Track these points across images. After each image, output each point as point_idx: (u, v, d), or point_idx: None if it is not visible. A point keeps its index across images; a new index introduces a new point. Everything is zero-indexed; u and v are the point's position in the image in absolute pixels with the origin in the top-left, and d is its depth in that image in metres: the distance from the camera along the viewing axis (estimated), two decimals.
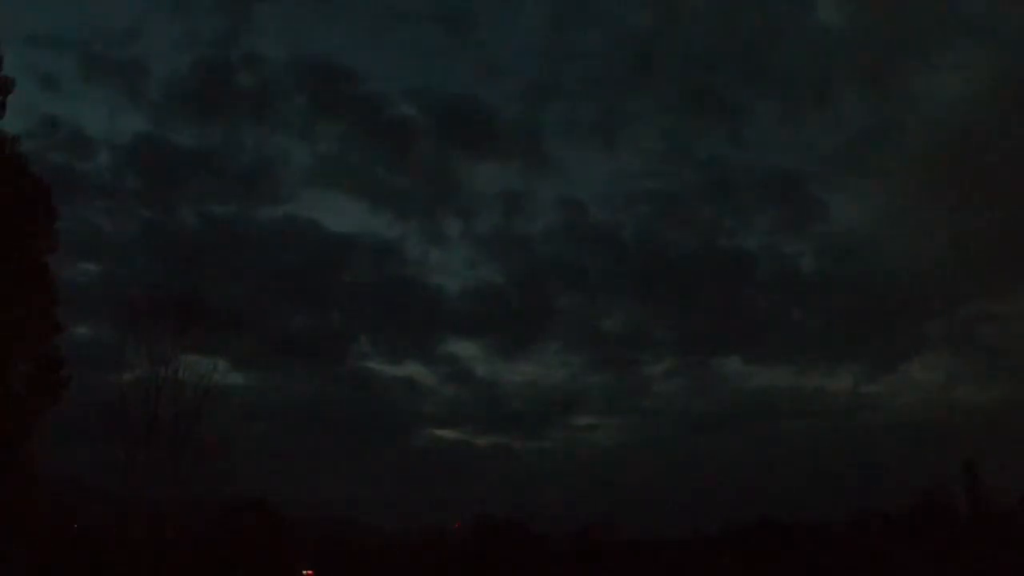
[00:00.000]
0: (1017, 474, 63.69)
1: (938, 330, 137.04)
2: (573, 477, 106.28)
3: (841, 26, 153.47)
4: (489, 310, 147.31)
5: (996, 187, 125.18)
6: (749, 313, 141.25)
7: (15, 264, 23.56)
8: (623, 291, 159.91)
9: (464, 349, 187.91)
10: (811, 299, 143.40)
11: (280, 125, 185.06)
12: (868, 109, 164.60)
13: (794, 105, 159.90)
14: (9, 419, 23.18)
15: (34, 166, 24.87)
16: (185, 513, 36.08)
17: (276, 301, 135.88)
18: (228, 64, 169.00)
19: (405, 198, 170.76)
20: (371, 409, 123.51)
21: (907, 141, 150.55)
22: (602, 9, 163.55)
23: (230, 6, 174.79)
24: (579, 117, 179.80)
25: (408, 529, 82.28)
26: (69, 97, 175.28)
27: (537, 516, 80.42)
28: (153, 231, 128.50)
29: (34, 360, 24.40)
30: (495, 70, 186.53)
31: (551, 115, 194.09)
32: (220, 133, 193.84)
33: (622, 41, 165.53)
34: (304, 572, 63.32)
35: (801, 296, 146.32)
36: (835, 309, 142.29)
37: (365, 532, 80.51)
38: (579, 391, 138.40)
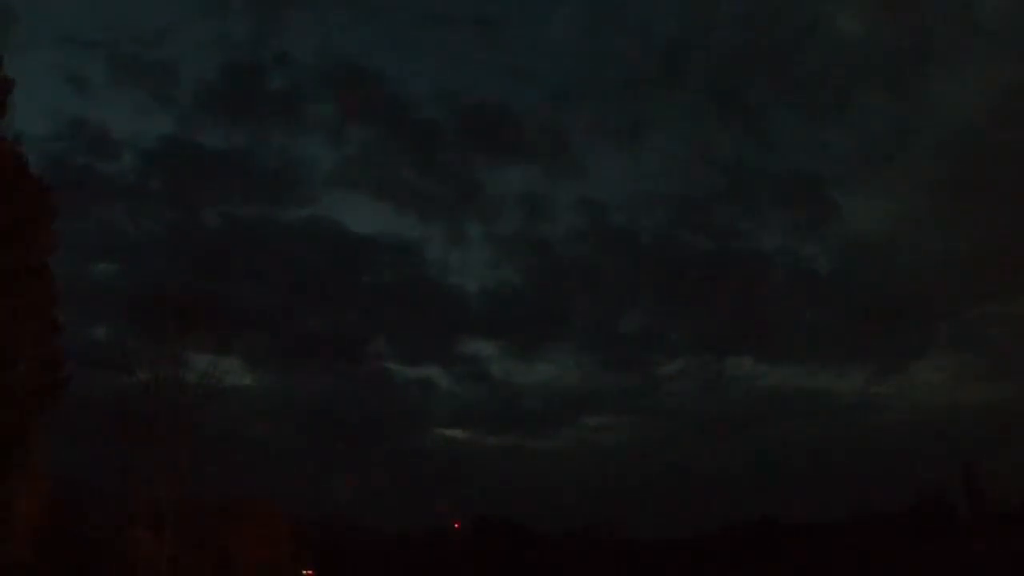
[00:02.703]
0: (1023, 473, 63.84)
1: (948, 330, 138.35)
2: (581, 477, 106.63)
3: (862, 34, 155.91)
4: (507, 311, 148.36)
5: (1010, 191, 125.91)
6: (763, 314, 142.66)
7: (15, 264, 23.55)
8: (640, 292, 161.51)
9: (481, 349, 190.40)
10: (824, 300, 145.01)
11: (307, 127, 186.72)
12: (887, 115, 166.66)
13: (815, 110, 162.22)
14: (9, 419, 23.17)
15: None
16: (185, 513, 36.00)
17: (297, 302, 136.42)
18: (257, 66, 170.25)
19: (429, 200, 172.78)
20: (384, 409, 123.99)
21: (924, 146, 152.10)
22: (631, 16, 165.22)
23: (260, 8, 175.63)
24: (605, 121, 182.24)
25: (409, 529, 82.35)
26: (97, 99, 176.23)
27: (540, 516, 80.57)
28: (176, 232, 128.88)
29: (34, 360, 24.37)
30: (523, 74, 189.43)
31: (577, 119, 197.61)
32: (247, 135, 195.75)
33: (650, 47, 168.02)
34: (304, 572, 63.23)
35: (815, 297, 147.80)
36: (848, 310, 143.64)
37: (365, 532, 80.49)
38: (592, 391, 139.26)
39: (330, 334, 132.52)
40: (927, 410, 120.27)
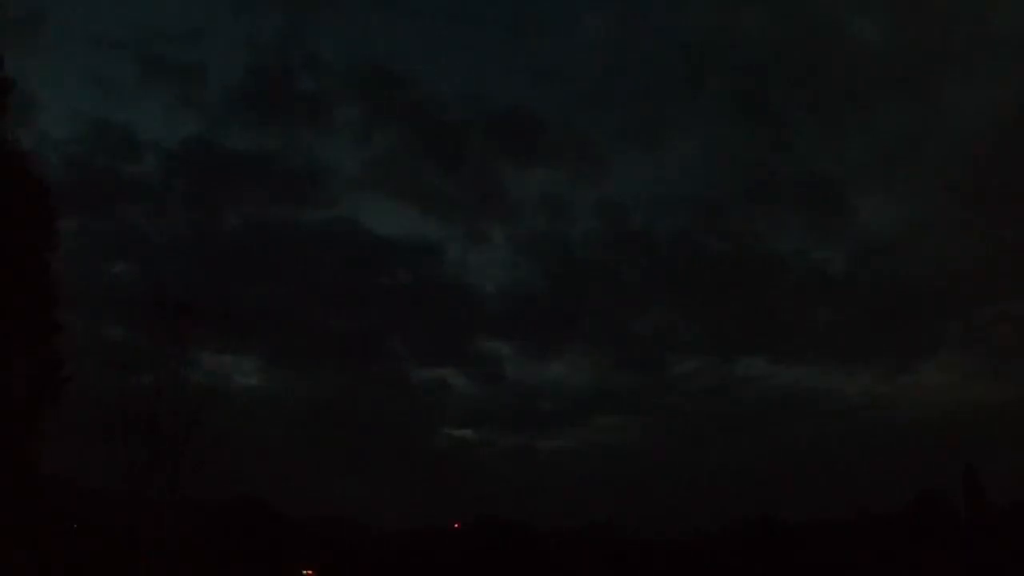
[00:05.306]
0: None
1: (958, 331, 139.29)
2: (590, 477, 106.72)
3: (880, 40, 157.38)
4: (524, 311, 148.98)
5: (1022, 194, 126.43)
6: (777, 314, 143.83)
7: (15, 264, 23.50)
8: (656, 293, 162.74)
9: (497, 349, 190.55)
10: (837, 301, 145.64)
11: (334, 129, 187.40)
12: (903, 119, 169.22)
13: (833, 114, 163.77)
14: (9, 419, 23.12)
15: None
16: (186, 513, 35.97)
17: (316, 303, 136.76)
18: (286, 68, 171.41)
19: (452, 202, 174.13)
20: (397, 410, 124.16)
21: (938, 150, 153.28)
22: (655, 22, 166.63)
23: (289, 10, 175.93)
24: (628, 125, 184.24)
25: (409, 529, 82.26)
26: (125, 100, 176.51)
27: (547, 516, 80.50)
28: (198, 233, 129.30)
29: (34, 360, 24.31)
30: (548, 78, 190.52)
31: (600, 123, 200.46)
32: (274, 137, 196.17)
33: (673, 53, 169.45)
34: (304, 572, 63.23)
35: (828, 298, 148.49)
36: (859, 311, 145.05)
37: (365, 532, 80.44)
38: (605, 391, 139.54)
39: (348, 334, 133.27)
40: (934, 410, 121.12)
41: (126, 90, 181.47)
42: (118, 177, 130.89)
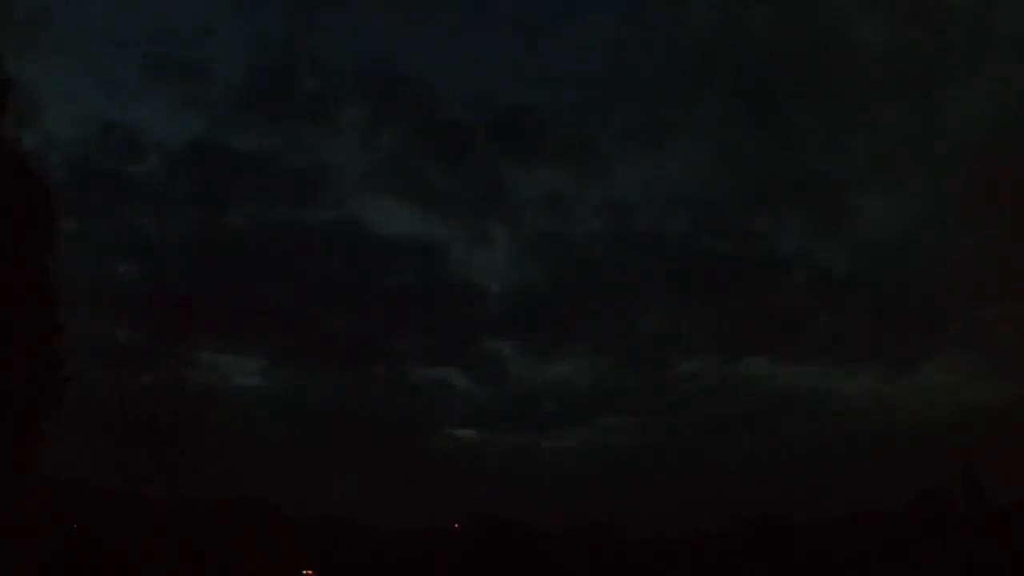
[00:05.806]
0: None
1: (959, 331, 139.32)
2: (593, 477, 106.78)
3: (884, 41, 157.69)
4: (528, 311, 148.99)
5: (1020, 194, 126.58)
6: (778, 315, 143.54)
7: (15, 264, 23.49)
8: (658, 293, 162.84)
9: (500, 349, 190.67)
10: (840, 301, 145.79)
11: (338, 129, 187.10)
12: (906, 120, 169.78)
13: (837, 115, 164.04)
14: (9, 419, 23.12)
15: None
16: (185, 513, 35.97)
17: (319, 303, 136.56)
18: (290, 68, 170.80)
19: (455, 201, 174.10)
20: (398, 410, 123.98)
21: (942, 151, 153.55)
22: (660, 22, 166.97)
23: (294, 10, 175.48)
24: (630, 126, 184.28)
25: (409, 529, 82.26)
26: (130, 100, 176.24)
27: (548, 516, 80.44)
28: (202, 233, 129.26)
29: (34, 360, 24.30)
30: (552, 78, 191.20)
31: (603, 123, 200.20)
32: (278, 137, 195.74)
33: (678, 53, 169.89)
34: (304, 572, 63.16)
35: (831, 298, 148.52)
36: (862, 311, 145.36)
37: (365, 532, 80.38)
38: (608, 391, 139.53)
39: (350, 334, 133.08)
40: (934, 410, 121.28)
41: (130, 90, 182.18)
42: (122, 177, 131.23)
